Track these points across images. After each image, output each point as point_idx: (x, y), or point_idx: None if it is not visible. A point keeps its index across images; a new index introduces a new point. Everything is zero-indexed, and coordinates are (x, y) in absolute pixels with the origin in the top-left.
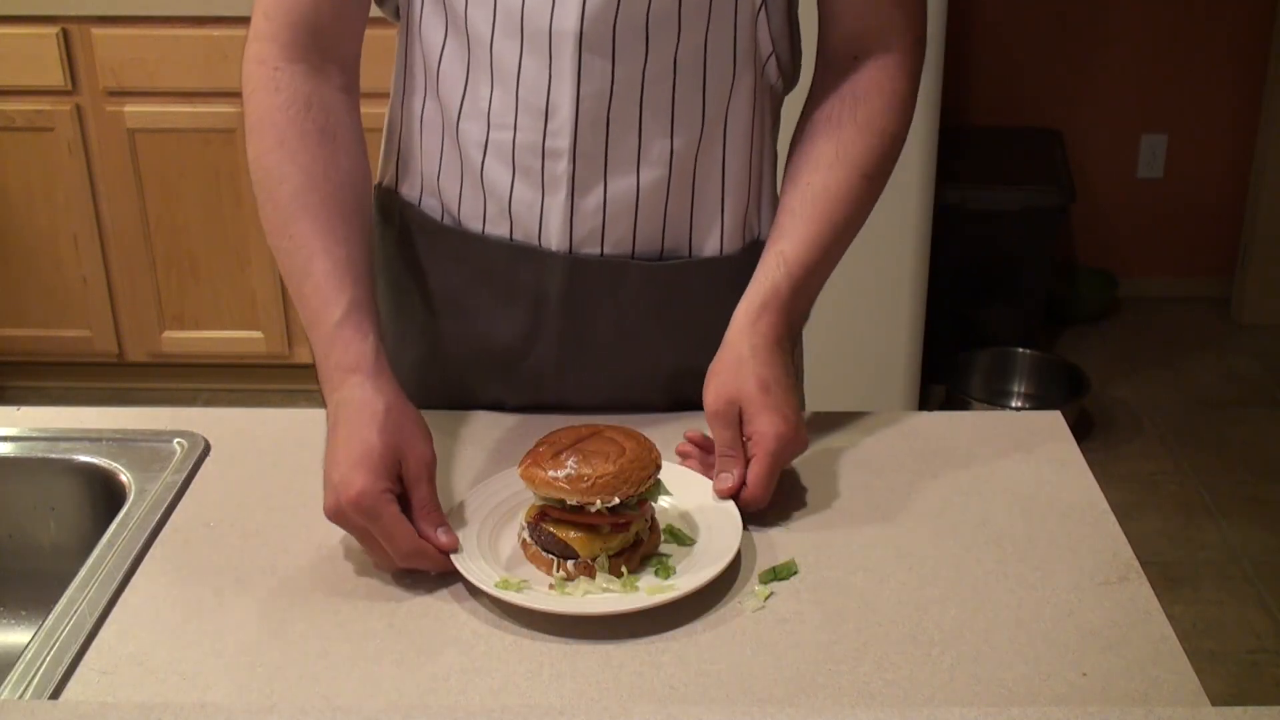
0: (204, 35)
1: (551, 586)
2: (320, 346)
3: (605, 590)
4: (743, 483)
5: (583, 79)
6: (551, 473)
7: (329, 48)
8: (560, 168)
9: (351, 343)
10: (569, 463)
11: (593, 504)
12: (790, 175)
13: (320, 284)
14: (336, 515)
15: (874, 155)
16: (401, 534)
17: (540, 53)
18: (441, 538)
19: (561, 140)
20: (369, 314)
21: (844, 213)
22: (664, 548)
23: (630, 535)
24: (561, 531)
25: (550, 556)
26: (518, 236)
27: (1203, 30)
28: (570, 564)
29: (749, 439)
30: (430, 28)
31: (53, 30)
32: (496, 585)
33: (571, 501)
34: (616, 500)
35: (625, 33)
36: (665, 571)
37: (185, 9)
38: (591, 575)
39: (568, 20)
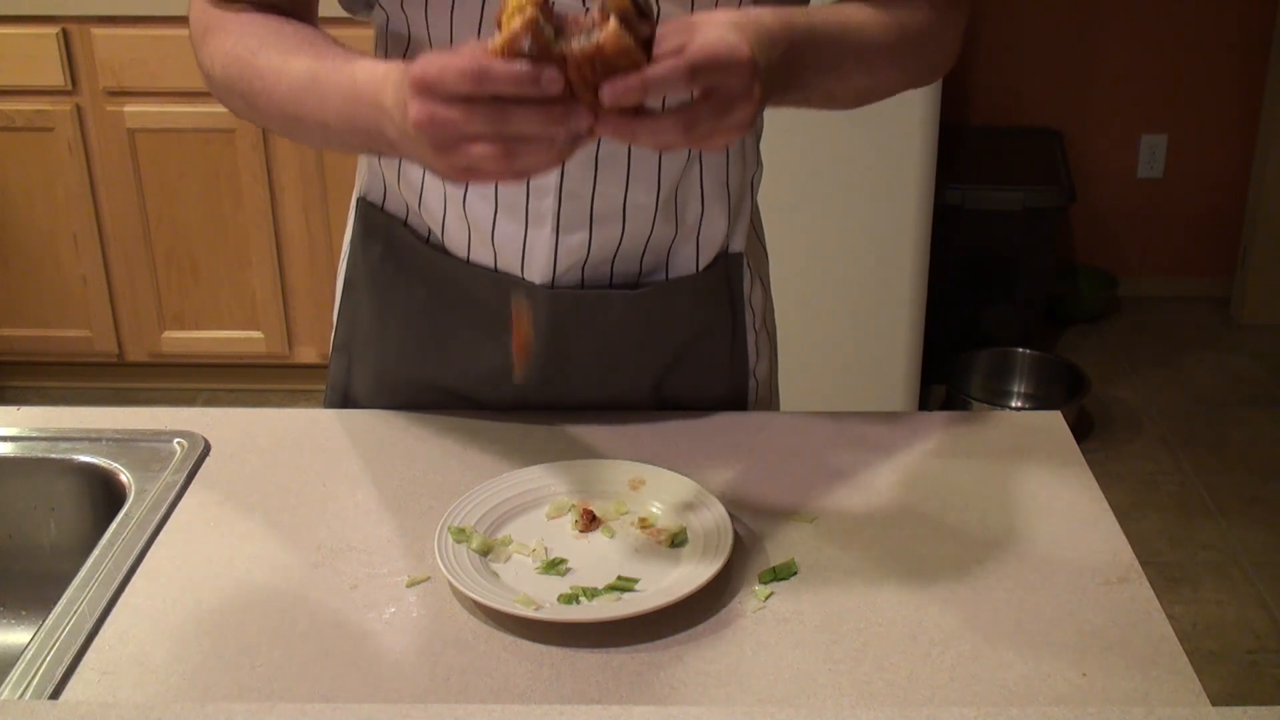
0: None
1: None
2: (349, 99)
3: None
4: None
5: None
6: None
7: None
8: (546, 204)
9: (377, 63)
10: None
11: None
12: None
13: (328, 65)
14: (420, 116)
15: (909, 49)
16: (460, 53)
17: None
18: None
19: (548, 178)
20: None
21: (869, 41)
22: (657, 550)
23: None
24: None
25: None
26: (501, 266)
27: (1203, 30)
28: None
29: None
30: (413, 54)
31: (53, 30)
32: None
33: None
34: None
35: None
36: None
37: (185, 9)
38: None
39: None
